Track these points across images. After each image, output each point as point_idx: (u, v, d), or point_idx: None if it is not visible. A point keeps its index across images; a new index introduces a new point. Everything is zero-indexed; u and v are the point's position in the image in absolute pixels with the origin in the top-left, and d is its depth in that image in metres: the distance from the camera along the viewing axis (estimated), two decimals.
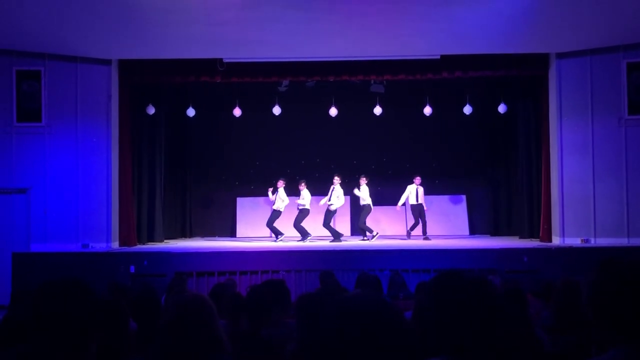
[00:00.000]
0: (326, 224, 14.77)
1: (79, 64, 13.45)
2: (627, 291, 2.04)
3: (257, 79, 14.23)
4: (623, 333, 2.05)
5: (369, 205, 14.72)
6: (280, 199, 14.72)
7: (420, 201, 14.91)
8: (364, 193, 14.72)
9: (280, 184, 14.83)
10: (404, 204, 15.16)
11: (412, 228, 14.96)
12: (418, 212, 14.89)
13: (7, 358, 2.01)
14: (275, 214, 14.76)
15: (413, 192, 14.91)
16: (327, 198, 14.81)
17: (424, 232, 14.84)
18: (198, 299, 3.03)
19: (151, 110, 14.67)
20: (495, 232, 16.42)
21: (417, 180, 15.00)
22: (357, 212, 15.57)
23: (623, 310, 2.04)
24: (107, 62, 13.56)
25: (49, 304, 2.04)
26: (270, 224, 14.77)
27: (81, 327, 2.04)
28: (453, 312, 2.03)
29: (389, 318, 1.69)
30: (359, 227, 14.93)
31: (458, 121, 15.97)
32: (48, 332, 2.01)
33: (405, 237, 15.01)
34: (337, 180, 14.84)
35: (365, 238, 14.75)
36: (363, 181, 14.82)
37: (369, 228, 14.67)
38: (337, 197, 14.79)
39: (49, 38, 12.37)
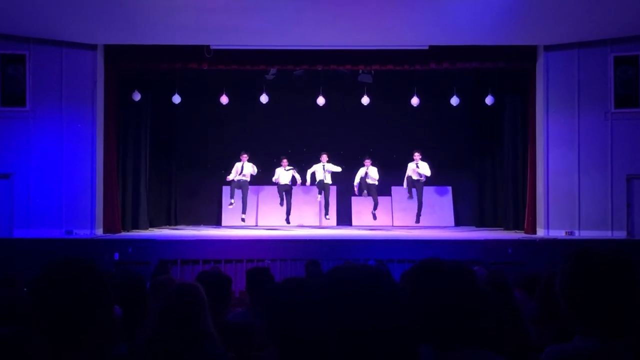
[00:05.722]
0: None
1: (64, 48, 13.31)
2: (598, 283, 2.04)
3: (245, 67, 14.16)
4: (592, 324, 2.04)
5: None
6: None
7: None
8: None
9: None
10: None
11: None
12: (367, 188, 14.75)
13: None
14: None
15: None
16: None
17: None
18: (192, 289, 3.00)
19: (137, 97, 14.55)
20: (480, 224, 16.46)
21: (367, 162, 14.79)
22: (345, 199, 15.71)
23: (593, 301, 2.03)
24: (92, 47, 13.43)
25: (58, 284, 1.99)
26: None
27: (90, 308, 2.00)
28: (434, 299, 2.01)
29: (387, 289, 1.52)
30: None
31: (445, 112, 15.96)
32: (55, 314, 1.97)
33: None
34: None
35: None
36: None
37: None
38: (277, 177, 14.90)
39: (34, 22, 12.21)
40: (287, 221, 14.88)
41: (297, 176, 14.86)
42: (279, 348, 2.32)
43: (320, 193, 14.92)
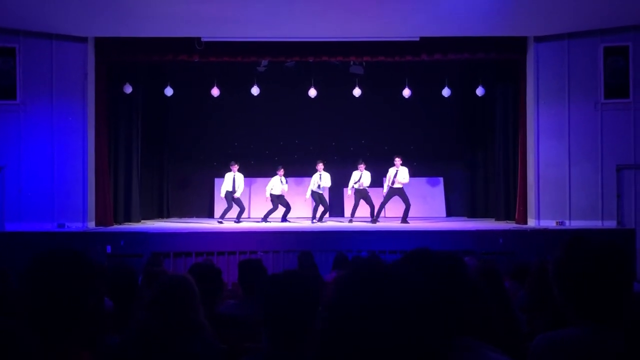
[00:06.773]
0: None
1: (55, 41, 13.24)
2: (591, 270, 2.04)
3: (236, 59, 14.12)
4: (584, 312, 2.05)
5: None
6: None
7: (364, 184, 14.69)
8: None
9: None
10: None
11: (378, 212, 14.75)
12: (362, 196, 14.64)
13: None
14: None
15: (356, 178, 14.70)
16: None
17: (374, 215, 14.65)
18: (182, 280, 3.01)
19: (128, 89, 14.49)
20: (472, 215, 16.53)
21: (361, 167, 14.71)
22: (337, 191, 15.61)
23: (586, 289, 2.04)
24: (83, 40, 13.36)
25: (48, 275, 2.00)
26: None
27: (80, 299, 2.01)
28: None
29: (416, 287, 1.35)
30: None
31: (436, 104, 15.97)
32: (46, 305, 1.97)
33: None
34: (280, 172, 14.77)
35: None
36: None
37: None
38: (271, 188, 14.72)
39: (24, 14, 12.13)
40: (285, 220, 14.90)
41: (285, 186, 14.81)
42: (273, 338, 2.34)
43: (317, 203, 14.62)
